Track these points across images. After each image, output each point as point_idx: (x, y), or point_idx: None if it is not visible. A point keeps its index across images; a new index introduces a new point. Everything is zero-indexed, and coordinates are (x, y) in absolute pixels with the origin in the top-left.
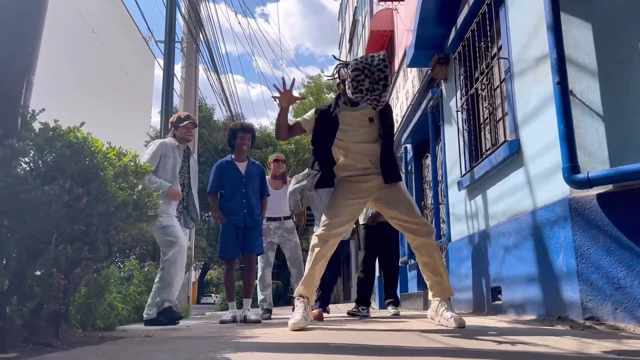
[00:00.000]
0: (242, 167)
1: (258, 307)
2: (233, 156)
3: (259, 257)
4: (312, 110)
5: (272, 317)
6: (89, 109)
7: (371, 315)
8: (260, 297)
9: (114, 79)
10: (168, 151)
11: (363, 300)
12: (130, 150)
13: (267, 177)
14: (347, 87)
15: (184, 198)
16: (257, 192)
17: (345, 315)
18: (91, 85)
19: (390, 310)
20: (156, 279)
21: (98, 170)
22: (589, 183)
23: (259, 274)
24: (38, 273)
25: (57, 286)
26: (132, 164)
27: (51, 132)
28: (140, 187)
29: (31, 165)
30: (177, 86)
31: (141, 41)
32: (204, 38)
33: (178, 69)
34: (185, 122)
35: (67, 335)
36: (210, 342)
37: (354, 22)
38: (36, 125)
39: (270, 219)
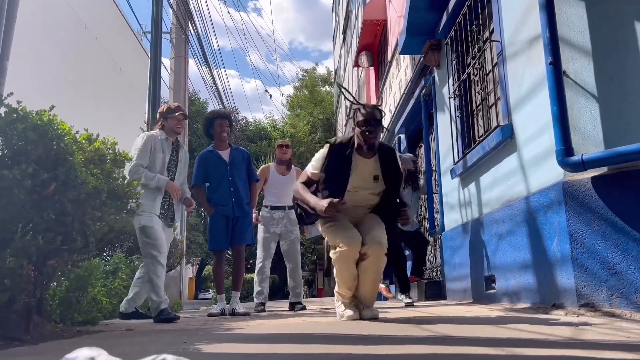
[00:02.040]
0: (225, 155)
1: (249, 301)
2: (214, 145)
3: (259, 248)
4: (323, 151)
5: (265, 309)
6: (82, 105)
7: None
8: (256, 288)
9: (108, 75)
10: (157, 145)
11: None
12: (109, 137)
13: (272, 163)
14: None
15: (168, 193)
16: (245, 179)
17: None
18: (84, 81)
19: (405, 300)
20: (137, 275)
21: (66, 154)
22: (583, 165)
23: (259, 264)
24: (12, 265)
25: (27, 278)
26: (110, 151)
27: (14, 115)
28: (120, 176)
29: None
30: (168, 79)
31: (134, 37)
32: (193, 29)
33: (169, 62)
34: (177, 113)
35: (40, 329)
36: (189, 334)
37: (348, 14)
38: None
39: (274, 208)
